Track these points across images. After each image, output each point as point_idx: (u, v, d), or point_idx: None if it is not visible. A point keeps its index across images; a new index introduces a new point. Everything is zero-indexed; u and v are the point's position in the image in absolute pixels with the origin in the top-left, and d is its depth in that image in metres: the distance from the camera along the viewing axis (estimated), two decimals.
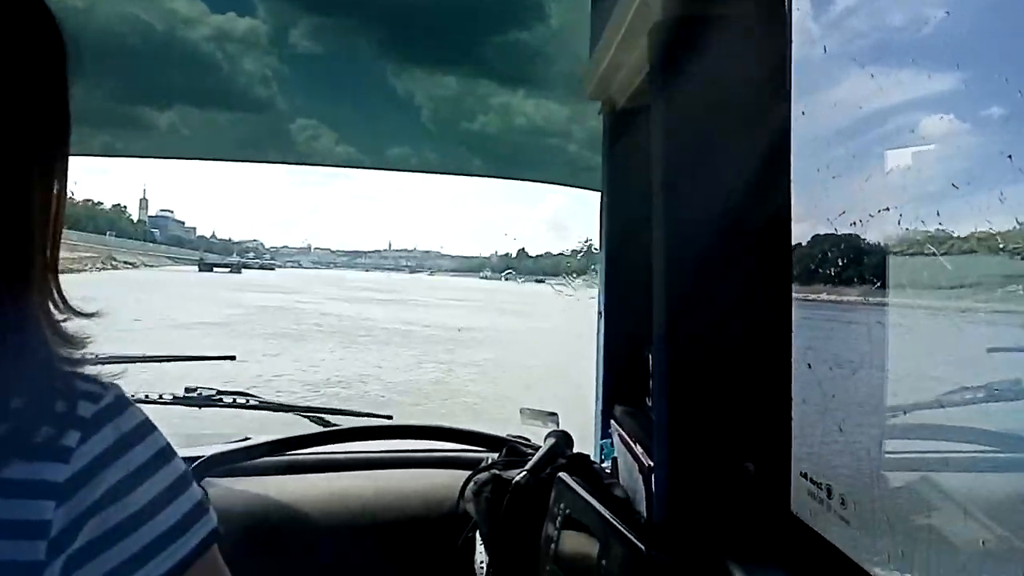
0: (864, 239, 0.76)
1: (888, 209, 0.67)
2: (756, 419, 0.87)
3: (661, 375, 0.92)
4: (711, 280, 0.89)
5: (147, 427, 0.61)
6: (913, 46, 0.63)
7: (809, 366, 0.83)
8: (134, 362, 1.82)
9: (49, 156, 0.59)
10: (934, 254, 0.63)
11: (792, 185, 0.84)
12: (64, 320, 0.60)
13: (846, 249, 0.79)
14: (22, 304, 0.56)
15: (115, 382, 0.62)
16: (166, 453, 0.62)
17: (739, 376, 0.88)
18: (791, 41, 0.84)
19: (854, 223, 0.76)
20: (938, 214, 0.61)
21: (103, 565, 0.55)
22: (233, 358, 2.19)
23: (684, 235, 0.90)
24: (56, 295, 0.59)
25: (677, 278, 0.91)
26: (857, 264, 0.78)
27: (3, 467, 0.53)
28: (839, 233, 0.78)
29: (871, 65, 0.69)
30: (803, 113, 0.81)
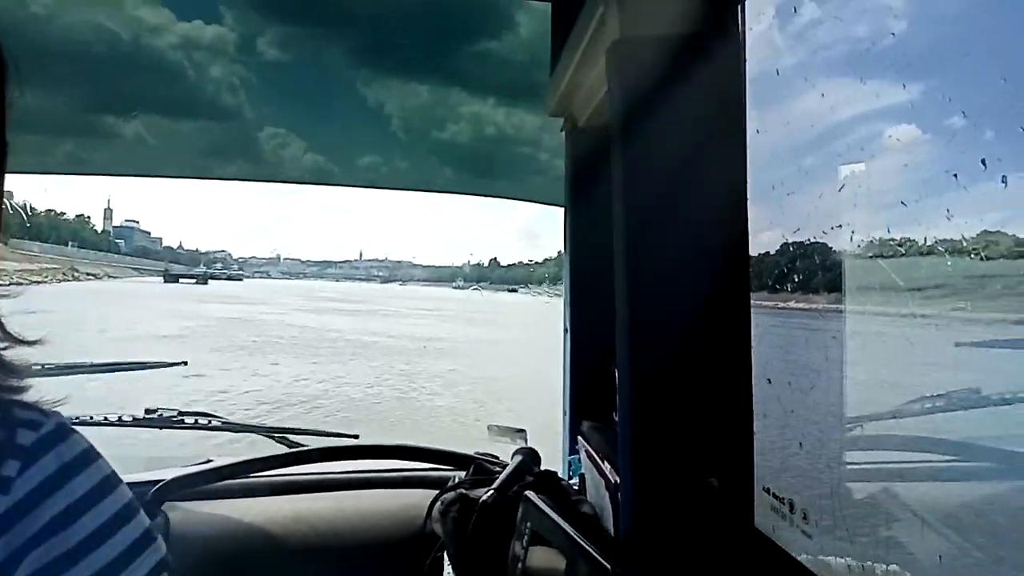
0: (819, 253, 0.77)
1: (840, 226, 0.68)
2: (719, 435, 0.87)
3: (625, 393, 0.92)
4: (672, 297, 0.90)
5: (91, 455, 0.60)
6: (862, 67, 0.65)
7: (769, 381, 0.84)
8: (81, 372, 1.78)
9: None
10: (888, 256, 0.64)
11: (749, 202, 0.85)
12: (4, 348, 0.58)
13: (800, 265, 0.80)
14: None
15: (56, 409, 0.61)
16: (111, 481, 0.60)
17: (702, 393, 0.88)
18: (745, 61, 0.85)
19: (809, 239, 0.77)
20: (888, 230, 0.62)
21: None
22: (185, 363, 2.15)
23: (644, 253, 0.91)
24: None
25: (638, 296, 0.91)
26: (809, 278, 0.79)
27: None
28: (793, 249, 0.79)
29: (821, 84, 0.70)
30: (758, 131, 0.82)
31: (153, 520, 1.36)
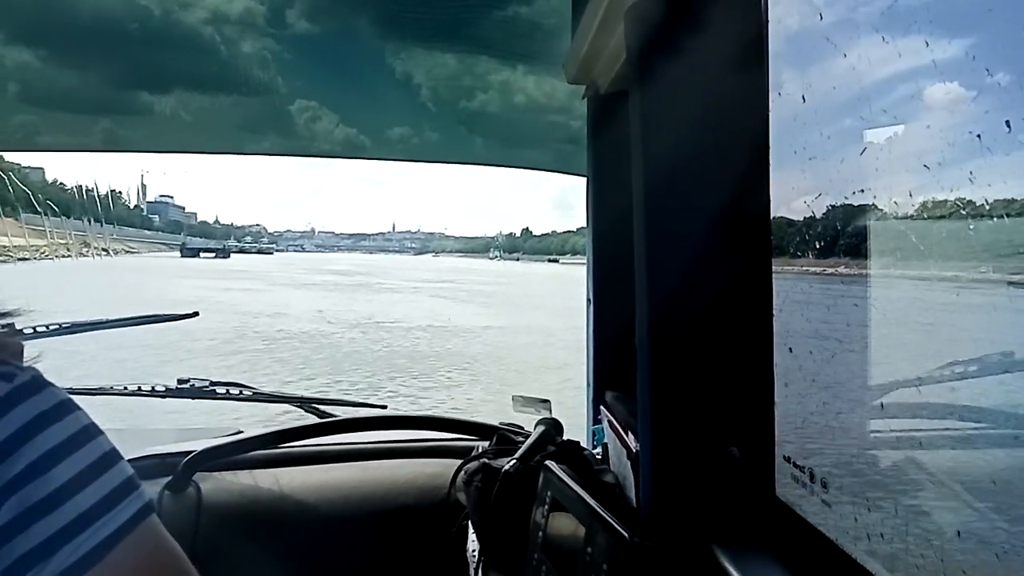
0: (842, 218, 0.75)
1: (862, 191, 0.66)
2: (740, 404, 0.87)
3: (644, 362, 0.91)
4: (692, 265, 0.88)
5: (68, 406, 0.61)
6: (883, 25, 0.62)
7: (790, 350, 0.82)
8: (86, 330, 1.81)
9: None
10: (910, 218, 0.63)
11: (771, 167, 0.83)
12: None
13: (823, 230, 0.78)
14: None
15: (32, 366, 0.62)
16: (89, 431, 0.61)
17: (722, 361, 0.87)
18: (767, 22, 0.83)
19: (832, 205, 0.75)
20: (911, 195, 0.60)
21: (28, 541, 0.55)
22: (196, 314, 2.16)
23: (664, 221, 0.89)
24: None
25: (658, 264, 0.90)
26: (833, 242, 0.78)
27: None
28: (816, 214, 0.77)
29: (844, 45, 0.68)
30: (779, 95, 0.80)
31: (184, 491, 1.41)
